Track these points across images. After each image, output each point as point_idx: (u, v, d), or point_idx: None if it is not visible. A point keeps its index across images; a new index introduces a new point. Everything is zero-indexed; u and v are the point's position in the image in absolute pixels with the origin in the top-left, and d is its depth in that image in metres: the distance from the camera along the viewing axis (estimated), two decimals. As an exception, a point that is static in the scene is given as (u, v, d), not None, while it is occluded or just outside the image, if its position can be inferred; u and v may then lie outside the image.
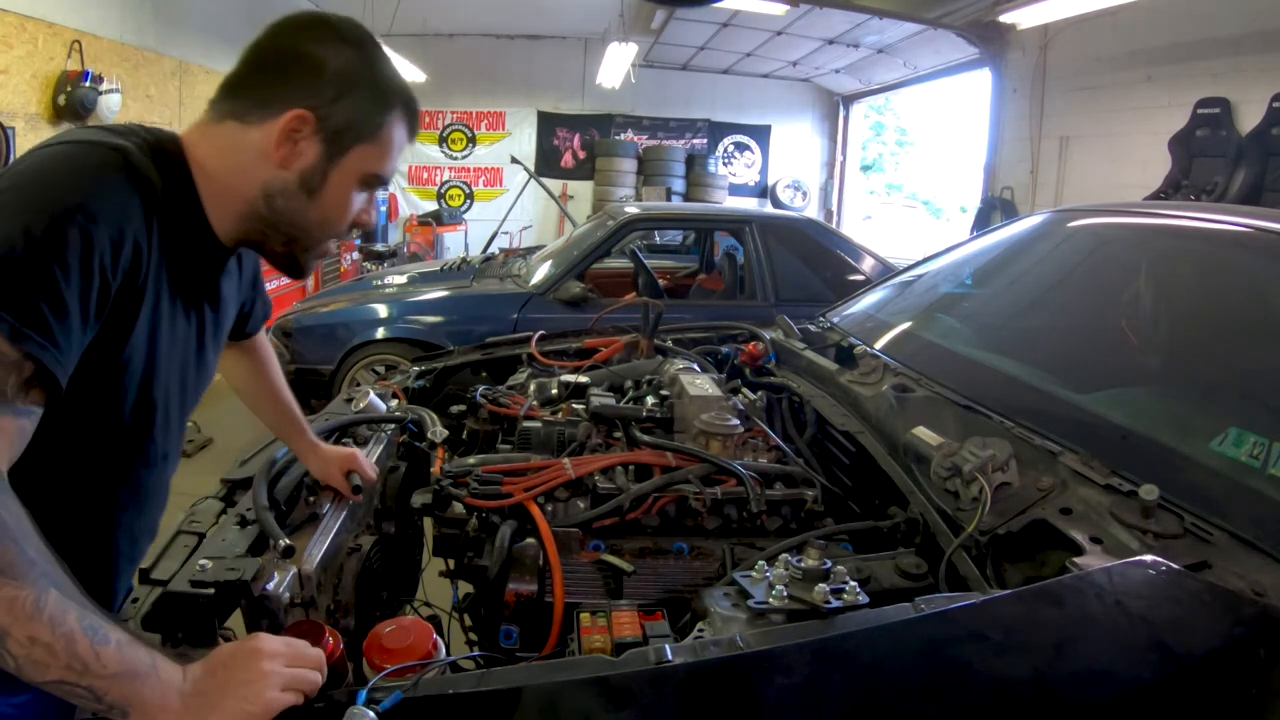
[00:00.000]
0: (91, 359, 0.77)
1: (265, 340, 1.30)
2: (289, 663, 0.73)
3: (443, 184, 10.35)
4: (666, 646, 0.83)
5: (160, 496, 1.01)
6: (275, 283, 4.68)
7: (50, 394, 0.73)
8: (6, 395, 0.69)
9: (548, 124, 10.39)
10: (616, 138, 10.41)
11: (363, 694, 0.74)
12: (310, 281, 6.26)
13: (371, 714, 0.72)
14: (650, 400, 1.71)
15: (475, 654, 1.20)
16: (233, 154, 0.87)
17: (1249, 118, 4.70)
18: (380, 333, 4.08)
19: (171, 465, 1.00)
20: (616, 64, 8.35)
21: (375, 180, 0.92)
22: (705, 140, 10.74)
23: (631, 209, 4.62)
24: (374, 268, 7.54)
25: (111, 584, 0.96)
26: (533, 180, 7.58)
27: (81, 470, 0.87)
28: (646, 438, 1.53)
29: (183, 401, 0.97)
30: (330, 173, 0.88)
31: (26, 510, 0.66)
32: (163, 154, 0.85)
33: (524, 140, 10.31)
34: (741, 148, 10.95)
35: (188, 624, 0.95)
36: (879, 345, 1.91)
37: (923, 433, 1.36)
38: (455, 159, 10.34)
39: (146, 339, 0.84)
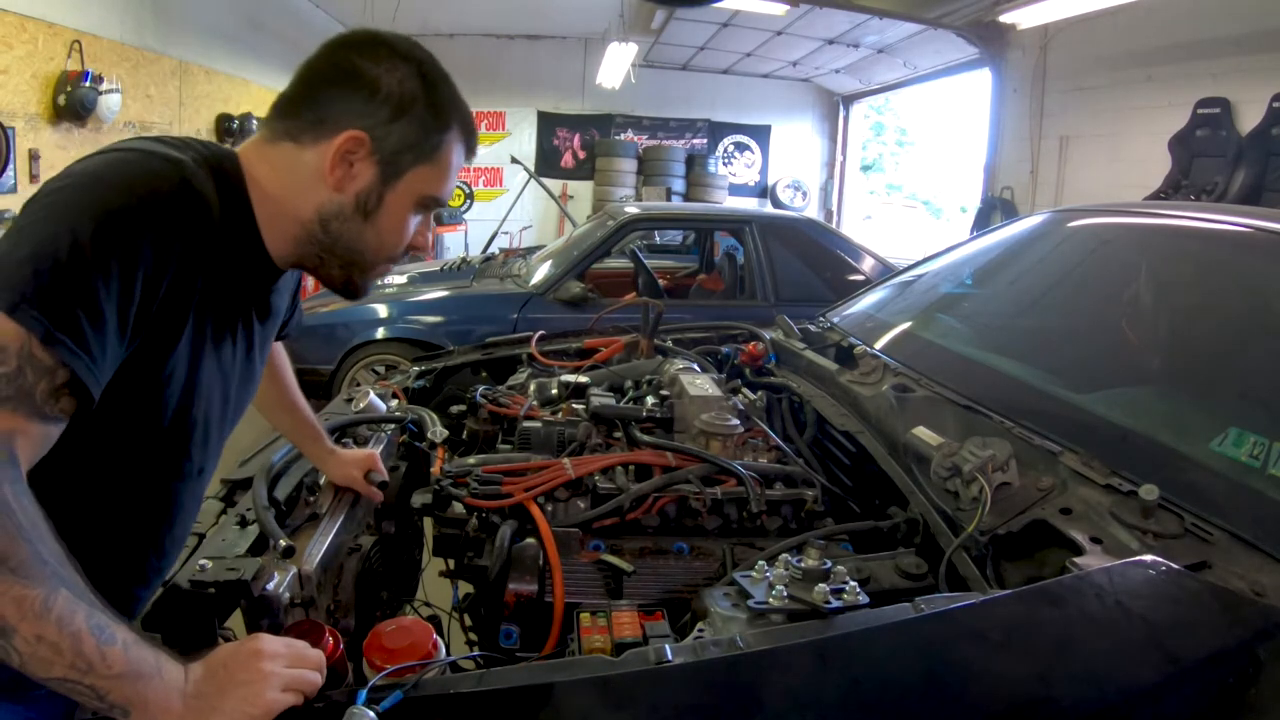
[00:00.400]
0: (132, 372, 0.77)
1: (281, 346, 1.28)
2: (289, 663, 0.73)
3: (443, 184, 10.34)
4: (666, 646, 0.83)
5: (193, 508, 1.00)
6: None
7: (82, 404, 0.72)
8: (35, 400, 0.68)
9: (548, 124, 10.38)
10: (616, 138, 10.40)
11: (362, 694, 0.74)
12: (310, 281, 6.26)
13: (371, 714, 0.72)
14: (650, 400, 1.71)
15: (475, 654, 1.20)
16: (289, 175, 0.85)
17: (1249, 118, 4.70)
18: (380, 333, 4.08)
19: (206, 479, 0.99)
20: (616, 64, 8.35)
21: (432, 203, 0.90)
22: (705, 140, 10.74)
23: (631, 209, 4.62)
24: (374, 268, 7.53)
25: (135, 592, 0.95)
26: (533, 180, 7.58)
27: (115, 481, 0.85)
28: (646, 438, 1.53)
29: (224, 417, 0.95)
30: (386, 195, 0.86)
31: (43, 511, 0.66)
32: (221, 172, 0.83)
33: (524, 140, 10.31)
34: (741, 148, 10.94)
35: (189, 623, 0.95)
36: (879, 345, 1.91)
37: (923, 433, 1.36)
38: (455, 159, 10.34)
39: (189, 355, 0.83)
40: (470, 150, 0.92)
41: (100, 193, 0.72)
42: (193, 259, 0.77)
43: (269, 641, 0.74)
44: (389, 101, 0.83)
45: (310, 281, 1.29)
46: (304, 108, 0.85)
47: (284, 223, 0.87)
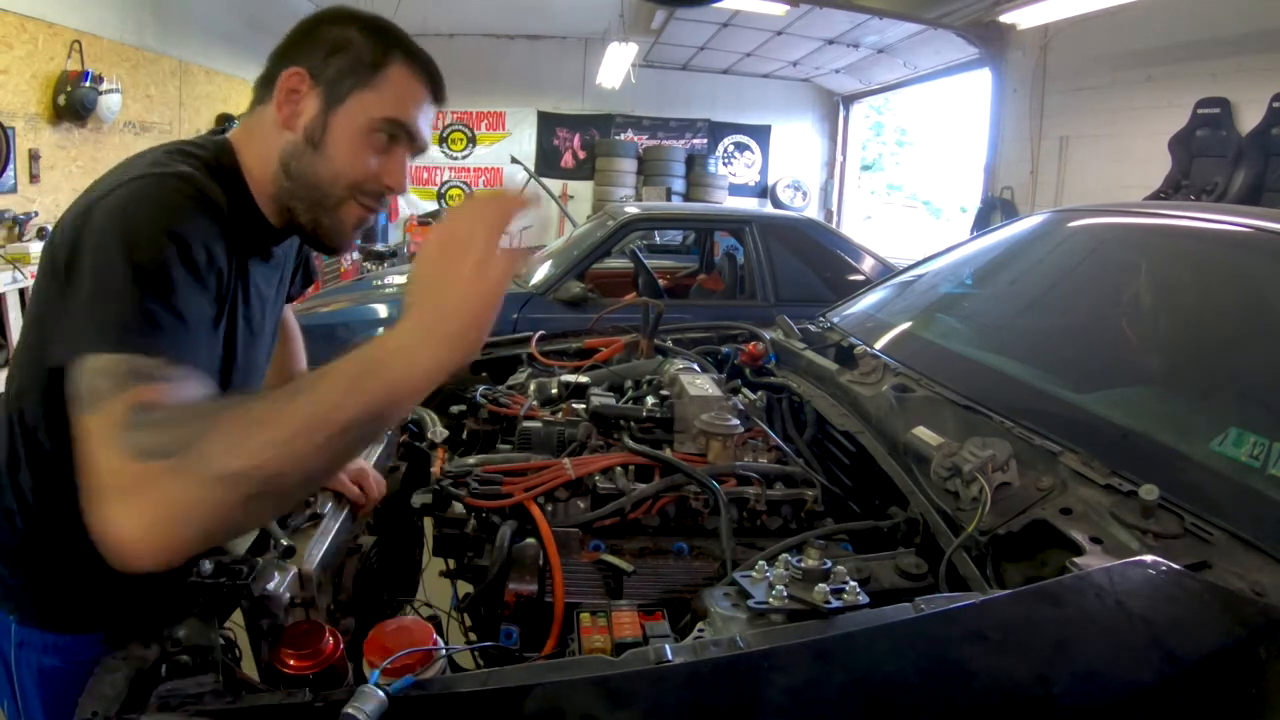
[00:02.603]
0: None
1: (297, 334, 1.36)
2: (472, 250, 0.66)
3: (443, 184, 10.35)
4: (666, 646, 0.83)
5: None
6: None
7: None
8: (154, 378, 0.70)
9: (548, 124, 10.39)
10: (616, 138, 10.40)
11: (375, 674, 0.75)
12: (310, 281, 6.26)
13: (381, 694, 0.73)
14: (650, 400, 1.71)
15: (476, 645, 1.20)
16: (259, 135, 0.91)
17: (1249, 118, 4.70)
18: (380, 333, 4.07)
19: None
20: (616, 64, 8.35)
21: (387, 127, 0.90)
22: (705, 140, 10.74)
23: (631, 209, 4.62)
24: (374, 268, 7.54)
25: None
26: (533, 180, 7.58)
27: None
28: (631, 443, 1.52)
29: (254, 366, 1.05)
30: (330, 121, 0.88)
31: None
32: (221, 169, 0.89)
33: (524, 140, 10.31)
34: (741, 148, 10.94)
35: (193, 611, 0.95)
36: (879, 345, 1.91)
37: (923, 433, 1.36)
38: (455, 159, 10.34)
39: (224, 331, 0.91)
40: (436, 88, 0.94)
41: (135, 220, 0.76)
42: (223, 254, 0.85)
43: (440, 243, 0.67)
44: (329, 42, 0.89)
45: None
46: (268, 71, 0.92)
47: (265, 185, 0.92)
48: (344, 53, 0.88)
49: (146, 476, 0.60)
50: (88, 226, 0.77)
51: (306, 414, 0.62)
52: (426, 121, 0.95)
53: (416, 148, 0.95)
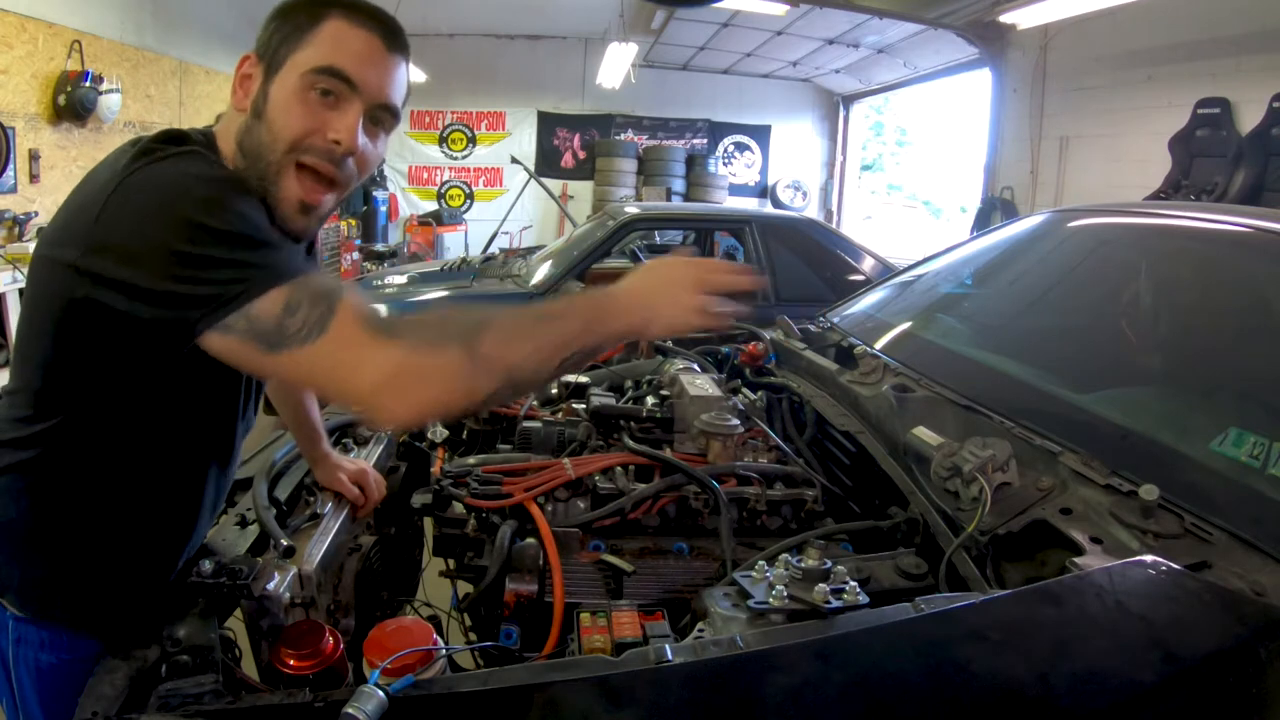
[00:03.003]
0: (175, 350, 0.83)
1: None
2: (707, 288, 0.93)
3: (443, 184, 10.35)
4: (666, 646, 0.83)
5: (238, 451, 1.11)
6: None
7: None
8: (337, 287, 0.80)
9: (548, 124, 10.38)
10: (616, 138, 10.40)
11: (375, 674, 0.75)
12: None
13: (381, 693, 0.73)
14: (650, 400, 1.71)
15: (476, 645, 1.20)
16: (228, 127, 0.92)
17: (1249, 118, 4.70)
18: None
19: (250, 424, 1.10)
20: (616, 64, 8.35)
21: (320, 79, 0.87)
22: (705, 140, 10.74)
23: (631, 209, 4.62)
24: (374, 268, 7.55)
25: (192, 529, 1.04)
26: (533, 180, 7.57)
27: (182, 437, 0.96)
28: (631, 443, 1.52)
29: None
30: (270, 89, 0.88)
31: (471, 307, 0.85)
32: (215, 151, 0.91)
33: (524, 140, 10.31)
34: (741, 148, 10.94)
35: (194, 611, 0.95)
36: (879, 345, 1.91)
37: (923, 433, 1.36)
38: (455, 159, 10.34)
39: None
40: (387, 35, 0.90)
41: (190, 180, 0.80)
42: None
43: (696, 268, 0.94)
44: (274, 20, 0.90)
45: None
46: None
47: (235, 170, 0.92)
48: (284, 23, 0.89)
49: (433, 365, 0.78)
50: (131, 210, 0.77)
51: (555, 335, 0.84)
52: (380, 70, 0.90)
53: (367, 99, 0.89)
